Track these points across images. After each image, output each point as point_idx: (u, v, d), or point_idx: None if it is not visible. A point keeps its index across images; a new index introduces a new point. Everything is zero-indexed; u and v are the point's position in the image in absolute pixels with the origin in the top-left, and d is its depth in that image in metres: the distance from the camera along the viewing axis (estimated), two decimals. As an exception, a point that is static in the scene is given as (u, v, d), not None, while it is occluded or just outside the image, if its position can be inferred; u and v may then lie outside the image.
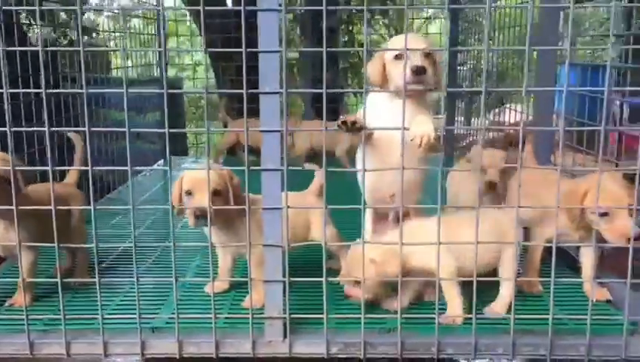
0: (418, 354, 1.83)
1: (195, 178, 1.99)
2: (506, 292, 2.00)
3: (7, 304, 2.08)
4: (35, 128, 1.80)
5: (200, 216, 1.92)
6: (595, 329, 1.82)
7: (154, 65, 4.95)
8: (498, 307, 1.99)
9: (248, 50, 1.65)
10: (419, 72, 2.00)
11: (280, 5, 1.67)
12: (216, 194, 1.98)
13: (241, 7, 1.63)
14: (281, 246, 1.77)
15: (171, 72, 10.01)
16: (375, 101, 2.15)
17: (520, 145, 1.83)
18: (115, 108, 4.78)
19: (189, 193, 1.99)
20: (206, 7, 1.64)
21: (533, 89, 2.90)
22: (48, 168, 1.73)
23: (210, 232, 1.89)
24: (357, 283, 1.92)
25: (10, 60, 1.74)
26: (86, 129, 1.68)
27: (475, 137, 8.47)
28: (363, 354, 1.82)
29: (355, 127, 1.87)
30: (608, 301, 2.08)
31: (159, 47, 4.72)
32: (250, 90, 1.73)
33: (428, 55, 2.05)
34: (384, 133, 2.03)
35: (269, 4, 1.66)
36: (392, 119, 1.88)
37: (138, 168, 2.14)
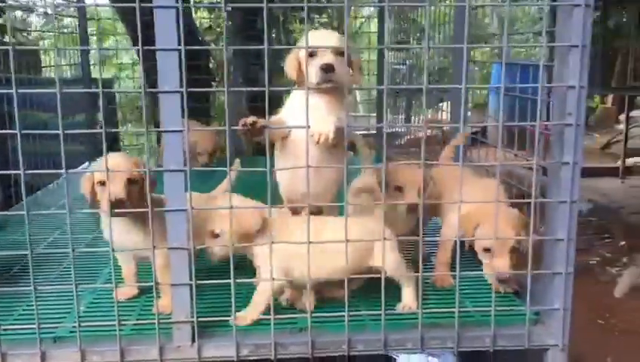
0: (329, 352, 1.83)
1: (109, 166, 1.91)
2: (407, 287, 2.02)
3: None
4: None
5: (115, 203, 1.84)
6: (500, 320, 1.87)
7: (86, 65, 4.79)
8: (409, 301, 2.00)
9: (145, 47, 1.62)
10: (327, 69, 2.00)
11: (177, 1, 1.63)
12: (132, 183, 1.92)
13: (136, 5, 1.59)
14: (187, 249, 1.74)
15: (110, 72, 9.76)
16: (294, 99, 2.14)
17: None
18: (42, 110, 4.60)
19: (102, 183, 1.92)
20: (127, 5, 1.60)
21: (473, 86, 2.96)
22: None
23: (111, 234, 1.82)
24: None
25: None
26: (17, 131, 1.60)
27: (412, 135, 8.62)
28: (274, 355, 1.81)
29: (255, 128, 1.85)
30: (515, 292, 2.13)
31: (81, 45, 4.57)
32: (148, 90, 1.69)
33: (341, 53, 2.05)
34: (298, 131, 2.02)
35: (165, 1, 1.62)
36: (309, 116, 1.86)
37: (74, 171, 2.04)
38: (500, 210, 1.81)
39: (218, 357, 1.80)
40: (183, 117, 1.69)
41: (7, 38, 4.94)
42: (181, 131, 1.69)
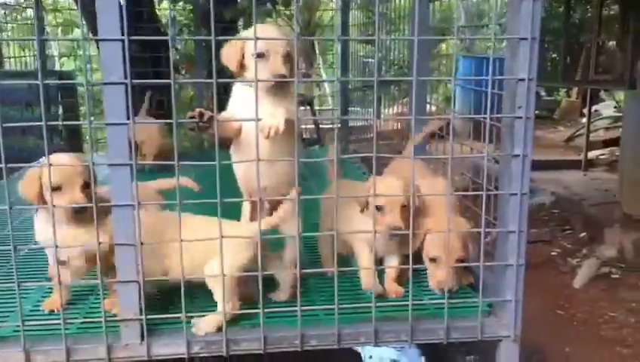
0: (283, 347, 1.81)
1: (64, 170, 1.85)
2: (284, 280, 2.01)
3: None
4: None
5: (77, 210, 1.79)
6: (454, 312, 1.87)
7: (52, 57, 4.68)
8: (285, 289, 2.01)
9: (94, 38, 1.56)
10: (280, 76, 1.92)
11: (119, -10, 1.58)
12: (87, 187, 1.85)
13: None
14: (134, 245, 1.69)
15: (72, 64, 9.55)
16: (239, 93, 2.09)
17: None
18: (2, 103, 4.48)
19: (57, 188, 1.83)
20: None
21: (426, 78, 2.95)
22: None
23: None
24: None
25: None
26: None
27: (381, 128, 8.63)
28: (226, 351, 1.78)
29: (203, 121, 1.80)
30: (470, 284, 2.14)
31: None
32: (92, 83, 1.64)
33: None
34: (249, 125, 1.98)
35: (107, -10, 1.57)
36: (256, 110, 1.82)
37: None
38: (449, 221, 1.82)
39: (168, 354, 1.76)
40: (128, 109, 1.65)
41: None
42: (126, 124, 1.64)
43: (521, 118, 1.75)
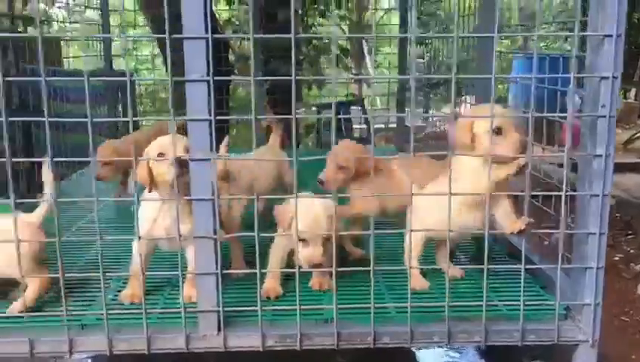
0: (355, 344, 1.82)
1: (164, 143, 1.93)
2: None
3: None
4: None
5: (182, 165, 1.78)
6: (529, 314, 1.84)
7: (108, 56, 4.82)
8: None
9: (174, 36, 1.61)
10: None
11: (205, -11, 1.62)
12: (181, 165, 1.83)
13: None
14: (214, 238, 1.73)
15: (129, 65, 9.80)
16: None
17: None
18: (67, 101, 4.64)
19: (161, 154, 1.91)
20: None
21: (502, 76, 2.91)
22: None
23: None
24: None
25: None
26: (45, 119, 1.61)
27: (433, 128, 8.55)
28: (299, 345, 1.80)
29: None
30: (542, 287, 2.10)
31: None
32: (175, 78, 1.68)
33: None
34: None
35: (193, -11, 1.61)
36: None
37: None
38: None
39: (243, 346, 1.80)
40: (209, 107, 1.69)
41: (29, 30, 4.97)
42: (207, 120, 1.68)
43: (604, 116, 1.71)
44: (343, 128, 6.56)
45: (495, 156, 1.85)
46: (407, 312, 1.78)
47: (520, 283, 2.04)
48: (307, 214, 1.91)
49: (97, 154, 2.93)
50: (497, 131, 1.89)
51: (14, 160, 1.66)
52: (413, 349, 3.28)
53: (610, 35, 1.67)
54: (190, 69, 1.65)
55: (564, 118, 1.80)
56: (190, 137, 1.70)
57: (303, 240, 1.93)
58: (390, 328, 1.82)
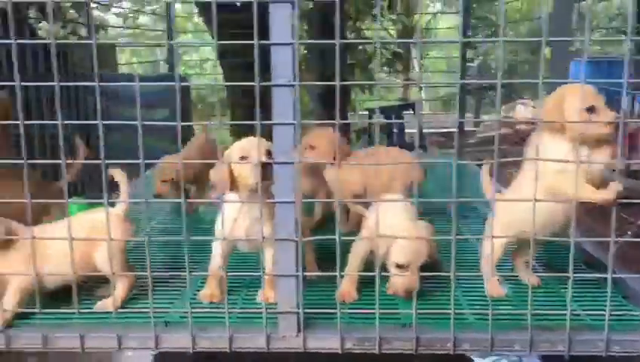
0: (434, 349, 1.82)
1: (245, 146, 1.97)
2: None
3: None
4: (47, 121, 1.79)
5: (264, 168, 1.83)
6: (613, 324, 1.80)
7: (160, 62, 4.96)
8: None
9: (261, 42, 1.64)
10: None
11: (292, -4, 1.65)
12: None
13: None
14: (296, 240, 1.76)
15: (179, 70, 10.03)
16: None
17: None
18: (124, 105, 4.79)
19: (244, 158, 1.95)
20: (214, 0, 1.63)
21: (550, 80, 2.85)
22: (60, 161, 1.72)
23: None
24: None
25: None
26: (99, 122, 1.67)
27: (484, 133, 8.43)
28: (378, 349, 1.80)
29: None
30: (625, 297, 2.05)
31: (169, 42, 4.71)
32: (262, 83, 1.71)
33: None
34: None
35: (282, -5, 1.64)
36: None
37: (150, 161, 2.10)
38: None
39: (323, 348, 1.82)
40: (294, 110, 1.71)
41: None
42: (292, 124, 1.71)
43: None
44: (395, 132, 6.55)
45: (588, 136, 1.78)
46: (486, 319, 1.76)
47: (601, 292, 2.01)
48: (409, 244, 1.93)
49: (157, 174, 3.06)
50: (590, 109, 1.81)
51: (107, 161, 1.72)
52: (472, 356, 3.25)
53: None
54: (278, 73, 1.68)
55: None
56: (274, 140, 1.73)
57: (400, 266, 1.95)
58: (470, 334, 1.81)
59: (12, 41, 1.60)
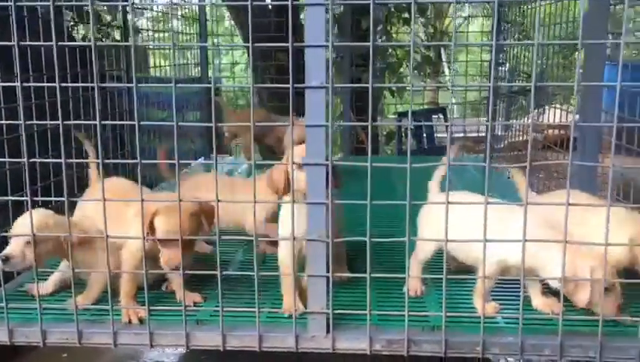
0: (462, 353, 1.81)
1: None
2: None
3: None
4: (84, 121, 1.84)
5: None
6: None
7: (192, 65, 5.02)
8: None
9: (295, 45, 1.66)
10: None
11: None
12: None
13: (288, 2, 1.63)
14: (326, 241, 1.77)
15: (210, 73, 10.15)
16: None
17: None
18: (156, 108, 4.86)
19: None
20: (246, 3, 1.65)
21: (586, 83, 2.82)
22: (98, 161, 1.77)
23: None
24: None
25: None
26: (135, 123, 1.72)
27: (513, 138, 8.33)
28: (406, 351, 1.81)
29: None
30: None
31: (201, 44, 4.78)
32: (296, 85, 1.73)
33: None
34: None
35: (316, -1, 1.66)
36: None
37: (186, 162, 2.14)
38: None
39: (351, 349, 1.82)
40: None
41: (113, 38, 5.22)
42: (324, 126, 1.73)
43: None
44: (425, 136, 6.51)
45: None
46: (517, 324, 1.75)
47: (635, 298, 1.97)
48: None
49: None
50: None
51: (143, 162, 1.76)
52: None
53: None
54: (310, 76, 1.70)
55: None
56: (307, 142, 1.75)
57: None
58: (499, 339, 1.80)
59: (52, 44, 1.66)
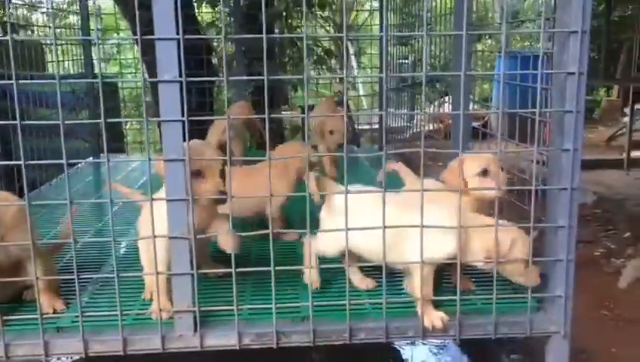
0: (331, 340, 1.84)
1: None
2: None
3: None
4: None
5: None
6: (502, 308, 1.86)
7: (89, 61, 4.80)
8: None
9: (144, 37, 1.62)
10: None
11: (174, -10, 1.63)
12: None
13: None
14: (188, 238, 1.73)
15: (114, 69, 9.75)
16: None
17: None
18: (47, 107, 4.62)
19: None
20: None
21: (474, 73, 2.96)
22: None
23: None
24: None
25: None
26: (17, 122, 1.61)
27: (415, 129, 8.62)
28: (275, 343, 1.81)
29: None
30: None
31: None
32: (148, 79, 1.68)
33: None
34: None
35: (164, -10, 1.62)
36: None
37: (73, 161, 2.02)
38: None
39: (220, 345, 1.81)
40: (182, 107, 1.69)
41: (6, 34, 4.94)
42: (180, 121, 1.69)
43: (571, 112, 1.74)
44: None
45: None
46: (381, 308, 1.80)
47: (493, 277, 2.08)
48: None
49: None
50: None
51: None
52: (398, 347, 3.32)
53: (576, 32, 1.70)
54: (162, 69, 1.66)
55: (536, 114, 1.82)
56: (163, 138, 1.71)
57: None
58: (366, 324, 1.84)
59: None
